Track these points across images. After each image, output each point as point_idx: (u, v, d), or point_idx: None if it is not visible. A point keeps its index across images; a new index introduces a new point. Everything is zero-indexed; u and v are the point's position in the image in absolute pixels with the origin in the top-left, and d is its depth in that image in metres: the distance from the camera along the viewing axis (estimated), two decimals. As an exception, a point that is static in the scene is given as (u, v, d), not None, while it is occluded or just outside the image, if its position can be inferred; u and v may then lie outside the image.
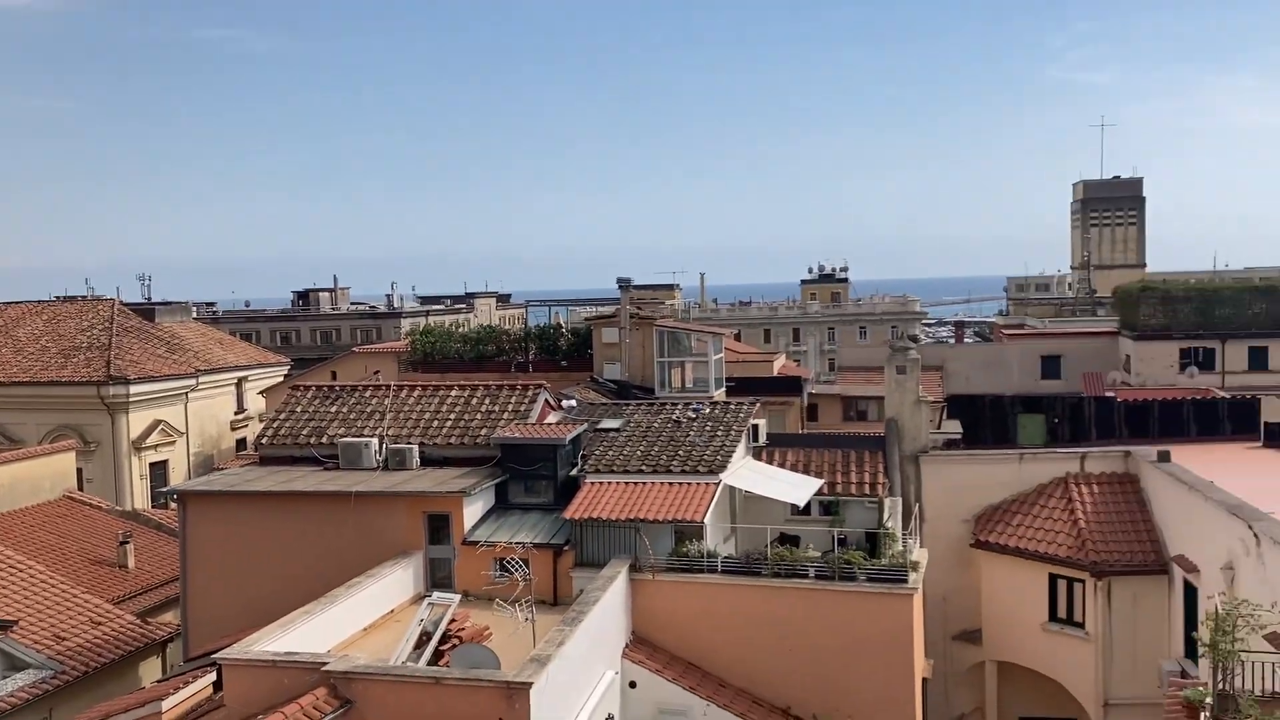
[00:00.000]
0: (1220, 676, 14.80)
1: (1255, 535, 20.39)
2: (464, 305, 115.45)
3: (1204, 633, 15.04)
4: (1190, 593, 24.51)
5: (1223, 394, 39.04)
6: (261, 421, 47.91)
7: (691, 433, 26.85)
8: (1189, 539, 25.02)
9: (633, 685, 21.50)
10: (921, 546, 26.71)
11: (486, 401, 28.44)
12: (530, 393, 28.66)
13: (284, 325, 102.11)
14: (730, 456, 25.59)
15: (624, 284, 39.96)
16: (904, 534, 24.54)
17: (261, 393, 56.55)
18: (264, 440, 28.47)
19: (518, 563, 21.58)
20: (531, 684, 16.41)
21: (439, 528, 24.35)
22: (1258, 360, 47.66)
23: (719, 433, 26.80)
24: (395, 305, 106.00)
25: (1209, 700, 14.04)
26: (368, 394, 29.67)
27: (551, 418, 28.54)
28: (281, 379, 57.82)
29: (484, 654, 18.57)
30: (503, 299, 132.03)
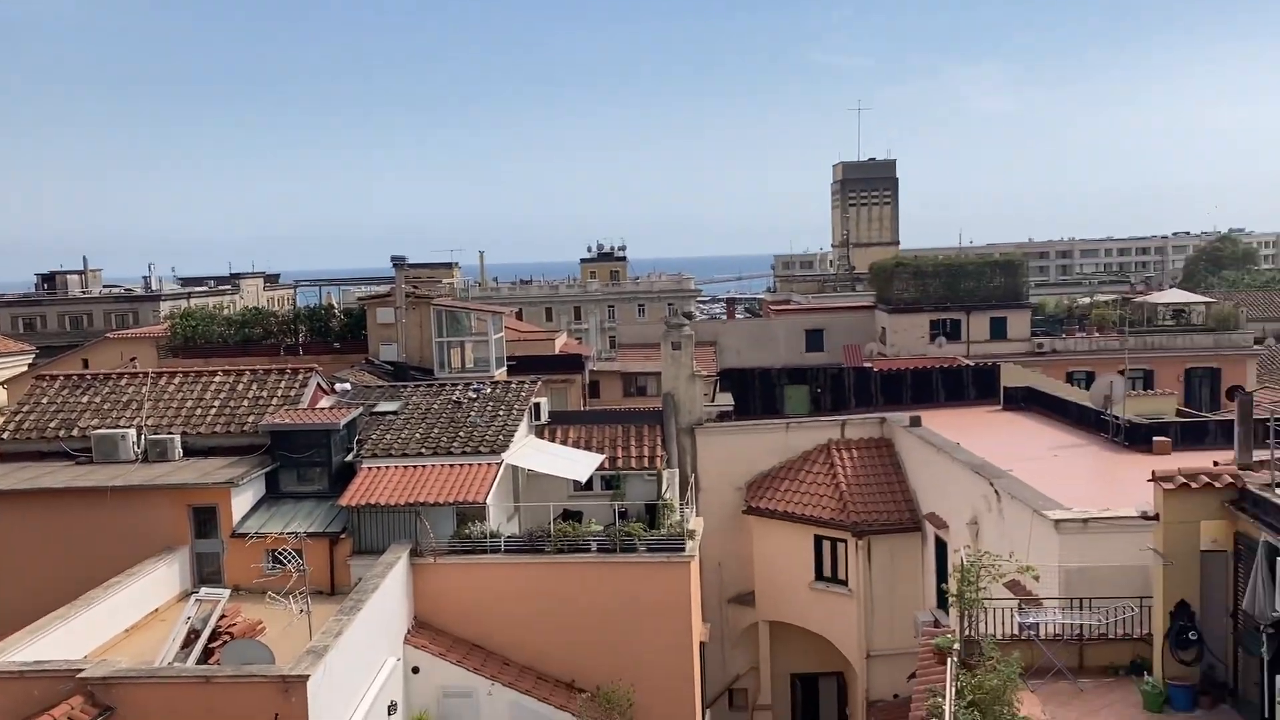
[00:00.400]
0: (966, 623, 16.03)
1: (996, 492, 22.14)
2: (229, 287, 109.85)
3: (952, 584, 16.22)
4: (941, 547, 26.39)
5: (968, 362, 42.06)
6: (2, 416, 44.23)
7: (472, 413, 26.69)
8: (939, 497, 26.91)
9: (415, 671, 21.28)
10: (698, 515, 27.59)
11: (254, 387, 27.31)
12: (301, 377, 27.72)
13: (26, 311, 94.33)
14: (512, 436, 25.60)
15: (399, 262, 39.11)
16: (681, 504, 25.28)
17: (3, 384, 52.12)
18: (4, 435, 26.34)
19: (291, 553, 20.91)
20: (308, 676, 15.98)
21: (205, 521, 23.27)
22: (998, 330, 51.54)
23: (500, 412, 26.76)
24: (153, 288, 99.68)
25: (956, 646, 15.19)
26: (123, 382, 27.92)
27: (324, 402, 27.71)
28: (25, 369, 53.42)
29: (257, 649, 17.93)
30: (270, 279, 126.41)
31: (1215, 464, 16.90)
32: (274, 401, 26.63)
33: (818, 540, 29.34)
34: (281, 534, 22.46)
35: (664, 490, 27.00)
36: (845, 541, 28.68)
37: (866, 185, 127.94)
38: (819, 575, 29.40)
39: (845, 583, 28.79)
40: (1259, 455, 15.74)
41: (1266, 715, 13.39)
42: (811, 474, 30.46)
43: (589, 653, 22.34)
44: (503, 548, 22.73)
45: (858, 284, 76.09)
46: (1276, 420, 14.53)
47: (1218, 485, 15.21)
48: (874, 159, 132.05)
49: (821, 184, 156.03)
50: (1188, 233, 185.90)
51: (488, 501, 23.25)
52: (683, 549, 22.63)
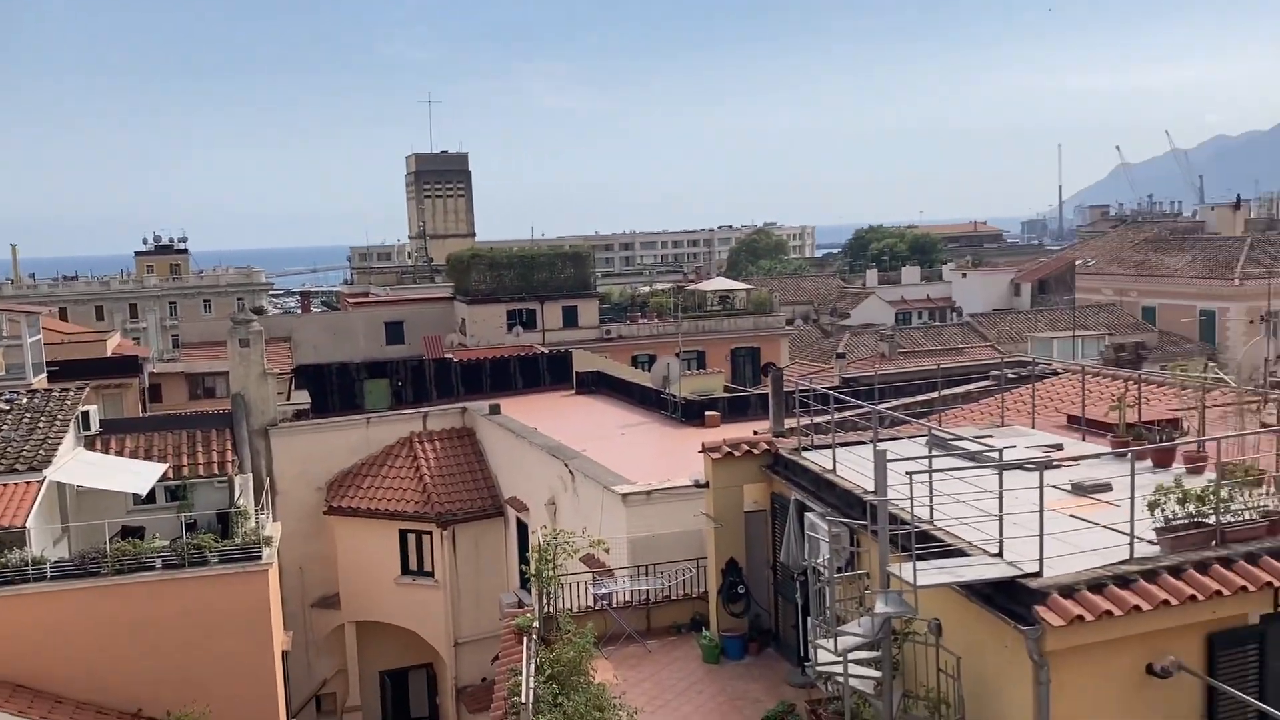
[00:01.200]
0: (545, 601, 16.77)
1: (570, 472, 23.29)
2: None
3: (532, 564, 16.88)
4: (523, 530, 27.31)
5: (543, 349, 43.70)
6: None
7: (5, 427, 23.81)
8: (519, 481, 27.81)
9: (-54, 723, 18.71)
10: (276, 520, 26.52)
11: None
12: None
13: None
14: (55, 449, 23.15)
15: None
16: (256, 510, 24.17)
17: None
18: None
19: None
20: None
21: None
22: (570, 318, 53.92)
23: (40, 424, 24.10)
24: None
25: (535, 624, 15.85)
26: None
27: None
28: None
29: None
30: None
31: (755, 433, 18.90)
32: None
33: (403, 534, 29.27)
34: None
35: (237, 497, 25.66)
36: (430, 533, 28.85)
37: (441, 177, 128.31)
38: (405, 569, 29.34)
39: (432, 574, 28.96)
40: (790, 423, 17.80)
41: (802, 654, 15.22)
42: (394, 468, 30.29)
43: (159, 677, 20.77)
44: (49, 574, 20.52)
45: (437, 275, 76.29)
46: (802, 392, 16.51)
47: (756, 452, 17.00)
48: (446, 151, 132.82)
49: (397, 175, 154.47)
50: (731, 226, 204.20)
51: (28, 525, 20.88)
52: (259, 557, 21.66)
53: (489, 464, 30.37)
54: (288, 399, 36.47)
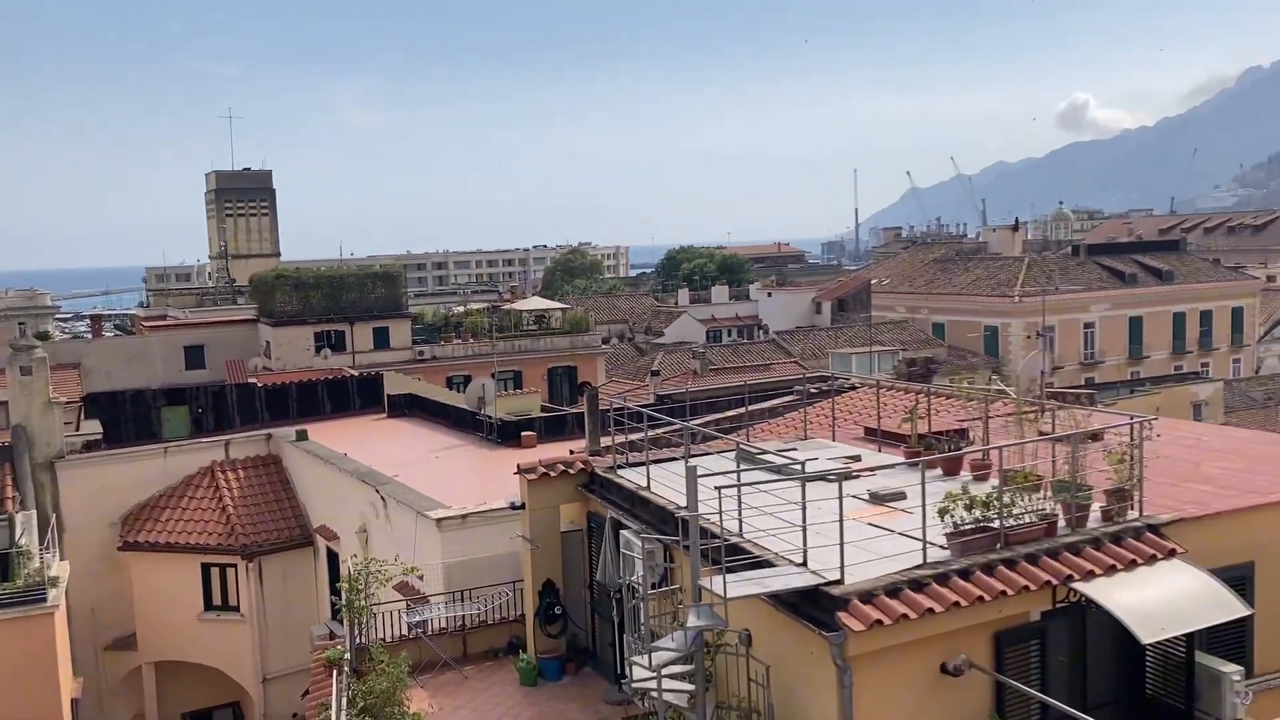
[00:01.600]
0: (357, 631, 16.37)
1: (383, 498, 22.79)
2: None
3: (342, 594, 16.44)
4: (333, 559, 26.51)
5: (353, 372, 42.62)
6: None
7: None
8: (329, 509, 27.01)
9: None
10: (63, 559, 24.86)
11: None
12: None
13: None
14: None
15: None
16: (41, 550, 22.59)
17: None
18: None
19: None
20: None
21: None
22: (381, 340, 52.88)
23: None
24: None
25: (346, 655, 15.44)
26: None
27: None
28: None
29: None
30: None
31: (571, 452, 19.00)
32: None
33: (205, 568, 27.94)
34: None
35: (18, 536, 23.87)
36: (235, 566, 27.64)
37: (243, 195, 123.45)
38: (208, 605, 28.00)
39: (237, 608, 27.75)
40: (606, 441, 17.98)
41: (619, 672, 15.36)
42: (195, 499, 28.90)
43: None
44: None
45: (239, 297, 73.35)
46: (616, 411, 16.71)
47: (572, 472, 17.10)
48: (249, 169, 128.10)
49: (197, 194, 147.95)
50: (546, 246, 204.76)
51: None
52: (44, 600, 20.27)
53: (297, 492, 29.37)
54: (77, 429, 34.29)
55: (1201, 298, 71.64)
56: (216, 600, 27.96)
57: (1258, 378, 64.47)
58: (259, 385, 37.69)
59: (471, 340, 54.93)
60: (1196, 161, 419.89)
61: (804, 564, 11.18)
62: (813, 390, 22.28)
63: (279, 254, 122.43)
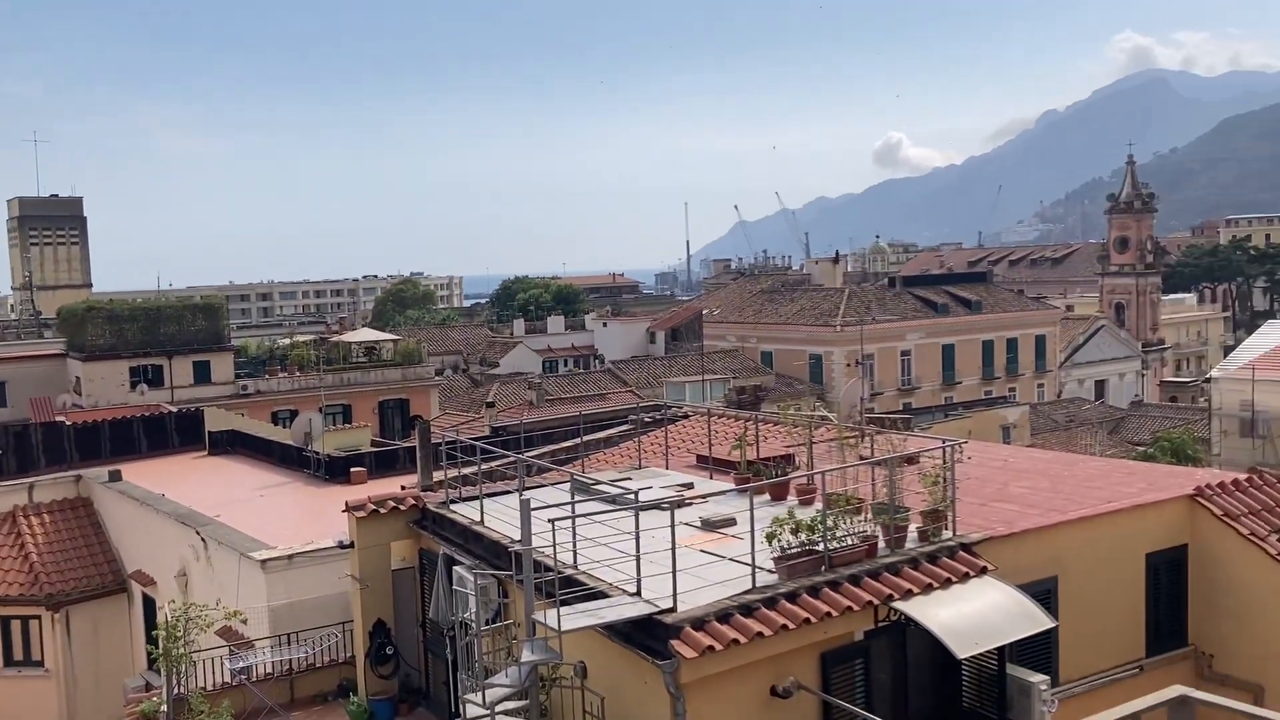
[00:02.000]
0: (175, 681, 15.59)
1: (204, 540, 21.81)
2: None
3: (159, 642, 15.64)
4: (150, 606, 25.18)
5: (171, 408, 40.68)
6: None
7: None
8: (146, 553, 25.67)
9: None
10: None
11: None
12: None
13: None
14: None
15: None
16: None
17: None
18: None
19: None
20: None
21: None
22: (202, 374, 50.62)
23: None
24: None
25: (164, 708, 14.69)
26: None
27: None
28: None
29: None
30: None
31: (403, 488, 18.67)
32: None
33: (4, 621, 26.10)
34: None
35: None
36: (39, 617, 25.92)
37: (50, 223, 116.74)
38: (9, 661, 26.15)
39: (41, 663, 26.00)
40: (439, 475, 17.73)
41: (453, 710, 15.10)
42: (-6, 548, 27.00)
43: None
44: None
45: (46, 330, 69.15)
46: (449, 444, 16.53)
47: (402, 508, 16.79)
48: (57, 195, 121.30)
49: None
50: (376, 275, 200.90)
51: None
52: None
53: (110, 537, 27.80)
54: None
55: (1008, 326, 76.09)
56: (17, 655, 26.14)
57: (1060, 401, 68.86)
58: (67, 424, 35.57)
59: (298, 373, 53.19)
60: (1001, 198, 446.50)
61: (638, 593, 11.30)
62: (646, 419, 22.56)
63: (91, 285, 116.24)
